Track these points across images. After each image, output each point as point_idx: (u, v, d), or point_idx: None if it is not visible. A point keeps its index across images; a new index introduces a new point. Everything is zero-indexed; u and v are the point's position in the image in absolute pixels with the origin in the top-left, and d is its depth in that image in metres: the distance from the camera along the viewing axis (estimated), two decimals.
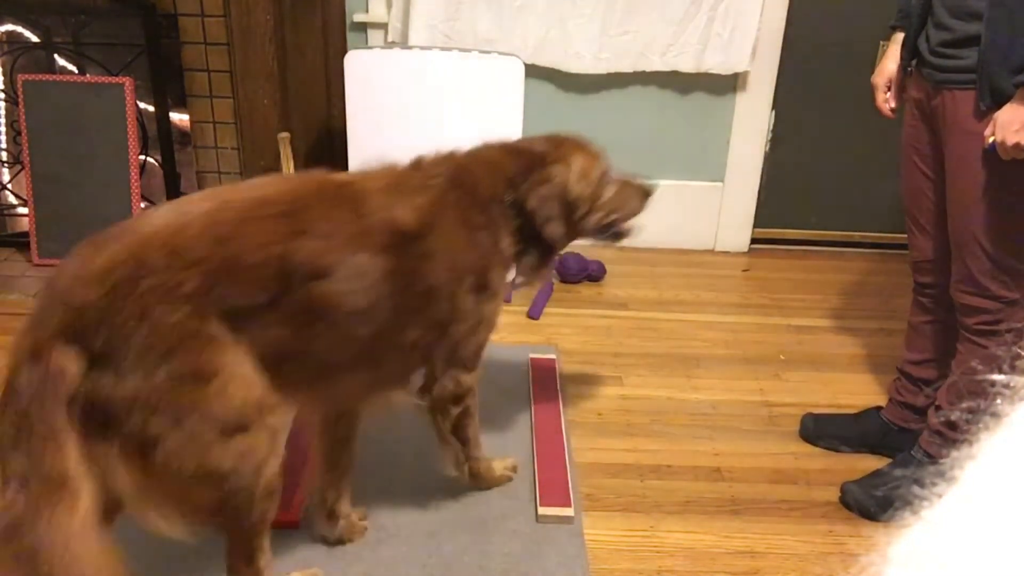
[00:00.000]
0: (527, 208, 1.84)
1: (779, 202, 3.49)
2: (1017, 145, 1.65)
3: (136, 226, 1.46)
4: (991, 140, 1.69)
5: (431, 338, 1.78)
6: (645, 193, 2.02)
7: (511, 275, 1.96)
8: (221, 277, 1.42)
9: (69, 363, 1.31)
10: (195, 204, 1.52)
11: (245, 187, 1.65)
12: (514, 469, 2.16)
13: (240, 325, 1.45)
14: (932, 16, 1.86)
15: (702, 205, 3.41)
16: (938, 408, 2.02)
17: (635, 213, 2.01)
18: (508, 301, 3.05)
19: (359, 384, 1.75)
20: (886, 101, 2.06)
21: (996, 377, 0.45)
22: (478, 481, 2.10)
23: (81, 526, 1.28)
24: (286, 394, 1.54)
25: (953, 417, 1.91)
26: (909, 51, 1.95)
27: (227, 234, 1.44)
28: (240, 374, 1.45)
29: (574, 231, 1.94)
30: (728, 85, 3.25)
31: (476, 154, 1.88)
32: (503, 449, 2.21)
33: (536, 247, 1.90)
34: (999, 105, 1.69)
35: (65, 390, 1.30)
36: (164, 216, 1.47)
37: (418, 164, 1.79)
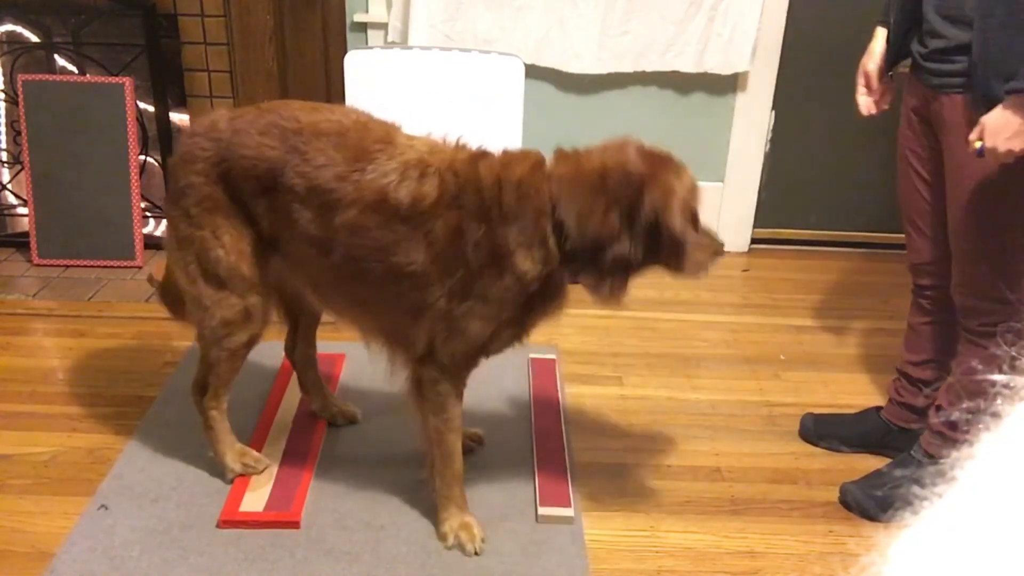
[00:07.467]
0: (587, 239, 1.69)
1: (779, 202, 3.49)
2: (1009, 152, 1.64)
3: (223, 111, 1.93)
4: (978, 144, 1.67)
5: (401, 311, 1.78)
6: (716, 251, 1.79)
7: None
8: (226, 156, 1.81)
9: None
10: (264, 106, 1.90)
11: (306, 105, 1.89)
12: (475, 551, 1.89)
13: (245, 203, 1.83)
14: (925, 23, 1.85)
15: (702, 205, 3.40)
16: (939, 408, 2.02)
17: (700, 267, 1.78)
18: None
19: (342, 303, 1.94)
20: (868, 95, 2.02)
21: (996, 377, 0.45)
22: (437, 500, 1.92)
23: None
24: (295, 282, 1.93)
25: (954, 417, 1.90)
26: (894, 53, 1.94)
27: (246, 129, 1.81)
28: (229, 242, 1.85)
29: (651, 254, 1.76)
30: (728, 85, 3.25)
31: (529, 161, 1.73)
32: (504, 449, 2.21)
33: (601, 265, 1.74)
34: None
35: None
36: (242, 108, 1.93)
37: (474, 156, 1.75)
